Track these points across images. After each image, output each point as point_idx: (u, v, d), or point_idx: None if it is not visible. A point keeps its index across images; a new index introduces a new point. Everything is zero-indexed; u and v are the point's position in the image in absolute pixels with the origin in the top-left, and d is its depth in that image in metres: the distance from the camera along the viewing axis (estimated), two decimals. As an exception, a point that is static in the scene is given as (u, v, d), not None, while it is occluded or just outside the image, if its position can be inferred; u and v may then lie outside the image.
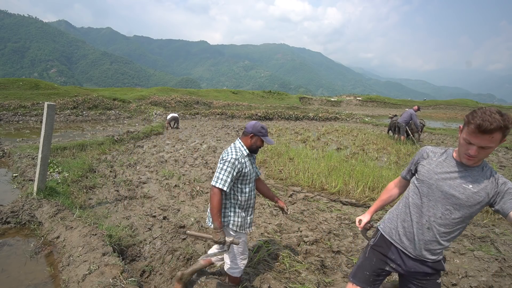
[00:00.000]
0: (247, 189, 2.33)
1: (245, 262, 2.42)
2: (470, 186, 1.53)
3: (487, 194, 1.51)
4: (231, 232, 2.32)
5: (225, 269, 2.42)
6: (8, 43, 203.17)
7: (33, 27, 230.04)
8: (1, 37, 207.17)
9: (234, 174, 2.20)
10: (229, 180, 2.16)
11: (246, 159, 2.32)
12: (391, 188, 1.96)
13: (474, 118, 1.43)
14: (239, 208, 2.32)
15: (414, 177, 1.74)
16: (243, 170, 2.26)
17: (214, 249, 2.43)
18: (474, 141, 1.45)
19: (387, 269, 1.77)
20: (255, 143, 2.34)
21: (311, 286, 2.71)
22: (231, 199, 2.30)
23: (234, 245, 2.27)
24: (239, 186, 2.29)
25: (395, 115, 12.28)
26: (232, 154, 2.23)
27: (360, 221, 2.02)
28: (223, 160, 2.22)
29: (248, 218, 2.39)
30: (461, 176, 1.55)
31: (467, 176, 1.54)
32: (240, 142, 2.35)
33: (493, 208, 1.55)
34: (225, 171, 2.17)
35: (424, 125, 11.91)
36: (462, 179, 1.55)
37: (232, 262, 2.36)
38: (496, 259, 3.25)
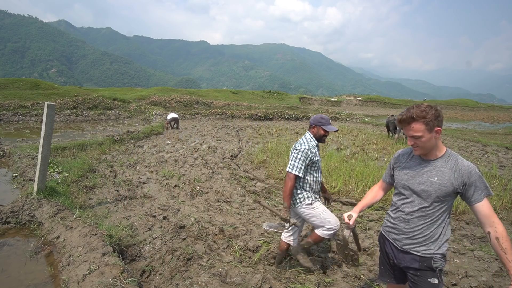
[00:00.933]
0: (316, 174, 2.65)
1: (332, 227, 2.61)
2: (436, 178, 1.63)
3: (452, 184, 1.60)
4: (301, 208, 2.63)
5: (316, 231, 2.69)
6: (8, 43, 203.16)
7: (33, 27, 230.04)
8: (1, 37, 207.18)
9: (307, 162, 2.54)
10: (303, 167, 2.51)
11: (316, 148, 2.63)
12: (376, 190, 2.07)
13: (402, 114, 1.64)
14: (309, 189, 2.64)
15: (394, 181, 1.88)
16: (314, 158, 2.58)
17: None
18: (404, 131, 1.67)
19: (390, 262, 1.87)
20: (317, 133, 2.65)
21: (311, 286, 2.71)
22: (302, 182, 2.62)
23: (296, 226, 2.56)
24: (310, 172, 2.62)
25: (392, 115, 12.62)
26: (304, 145, 2.56)
27: (350, 216, 1.98)
28: (296, 149, 2.55)
29: (316, 195, 2.71)
30: (426, 171, 1.68)
31: (432, 169, 1.66)
32: (309, 134, 2.68)
33: (461, 197, 1.65)
34: (299, 160, 2.51)
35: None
36: (428, 173, 1.67)
37: (323, 227, 2.62)
38: (496, 259, 3.25)
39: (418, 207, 1.68)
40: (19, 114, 14.05)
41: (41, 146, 4.00)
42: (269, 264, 3.06)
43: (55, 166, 5.55)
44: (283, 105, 25.32)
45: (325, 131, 2.65)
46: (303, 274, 2.87)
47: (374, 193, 2.05)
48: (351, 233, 2.05)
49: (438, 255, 1.67)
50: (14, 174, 5.44)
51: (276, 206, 4.59)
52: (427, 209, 1.66)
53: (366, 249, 3.35)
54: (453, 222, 4.20)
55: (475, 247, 3.53)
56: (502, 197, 5.00)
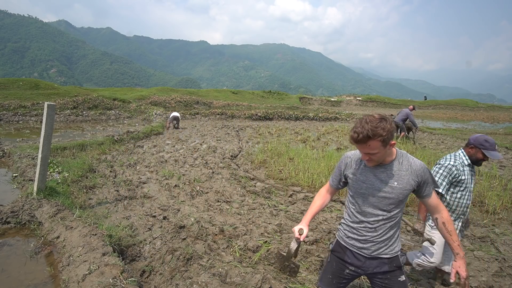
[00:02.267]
0: (459, 195, 2.46)
1: (429, 263, 2.52)
2: (395, 183, 1.62)
3: (411, 185, 1.62)
4: (431, 230, 2.49)
5: (411, 254, 2.62)
6: (8, 43, 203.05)
7: (33, 27, 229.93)
8: (1, 37, 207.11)
9: (450, 178, 2.41)
10: (444, 183, 2.40)
11: (466, 168, 2.44)
12: (324, 194, 1.97)
13: (352, 129, 1.55)
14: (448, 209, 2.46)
15: (348, 189, 1.82)
16: (459, 177, 2.41)
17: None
18: (358, 149, 1.61)
19: (347, 272, 1.83)
20: (474, 155, 2.44)
21: (311, 286, 2.71)
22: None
23: (430, 243, 2.44)
24: (452, 191, 2.47)
25: (391, 115, 12.57)
26: (449, 160, 2.45)
27: (301, 230, 1.86)
28: (439, 164, 2.47)
29: (456, 222, 2.54)
30: (384, 177, 1.64)
31: (389, 174, 1.64)
32: (462, 152, 2.51)
33: (414, 193, 1.69)
34: (441, 175, 2.42)
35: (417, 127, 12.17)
36: (386, 178, 1.64)
37: (422, 254, 2.53)
38: (496, 259, 3.25)
39: (382, 215, 1.67)
40: (19, 114, 14.05)
41: (41, 146, 4.00)
42: (269, 264, 3.06)
43: (55, 166, 5.55)
44: (283, 105, 25.31)
45: (485, 156, 2.40)
46: (303, 274, 2.87)
47: (322, 199, 1.96)
48: (297, 246, 1.96)
49: (400, 251, 1.76)
50: (14, 174, 5.44)
51: (276, 206, 4.59)
52: (390, 213, 1.67)
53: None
54: (453, 222, 4.20)
55: (475, 247, 3.53)
56: (502, 197, 5.01)
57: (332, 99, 33.41)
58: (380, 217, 1.68)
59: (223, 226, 3.76)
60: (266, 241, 3.41)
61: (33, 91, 17.17)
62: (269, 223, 3.96)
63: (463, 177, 2.41)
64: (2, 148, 7.25)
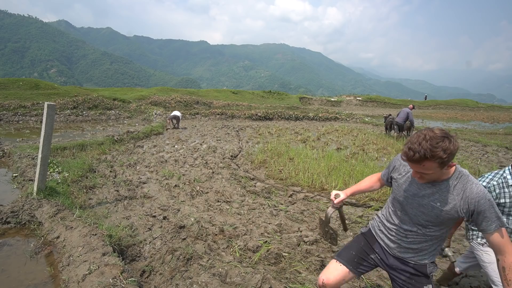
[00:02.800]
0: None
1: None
2: (438, 204, 1.46)
3: (457, 212, 1.44)
4: (473, 244, 2.23)
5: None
6: (8, 43, 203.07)
7: (33, 27, 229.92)
8: (1, 37, 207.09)
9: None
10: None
11: (511, 189, 2.01)
12: (374, 180, 1.93)
13: (406, 142, 1.39)
14: None
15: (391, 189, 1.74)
16: (500, 199, 2.02)
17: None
18: (410, 166, 1.43)
19: (372, 257, 1.79)
20: None
21: (311, 286, 2.71)
22: None
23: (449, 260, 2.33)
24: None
25: (390, 115, 12.88)
26: (484, 179, 2.11)
27: (337, 195, 1.88)
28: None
29: None
30: (428, 194, 1.49)
31: (434, 193, 1.47)
32: (509, 169, 2.07)
33: (467, 223, 1.58)
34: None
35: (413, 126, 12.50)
36: (430, 196, 1.48)
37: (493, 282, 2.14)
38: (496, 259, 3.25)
39: (417, 228, 1.57)
40: (19, 114, 14.05)
41: (41, 146, 4.00)
42: (269, 264, 3.06)
43: (55, 166, 5.55)
44: (283, 105, 25.31)
45: None
46: (303, 274, 2.87)
47: (372, 182, 1.92)
48: (337, 212, 2.03)
49: (431, 261, 1.65)
50: (14, 174, 5.44)
51: (276, 206, 4.59)
52: (426, 229, 1.55)
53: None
54: (453, 222, 4.20)
55: (475, 247, 3.53)
56: (502, 197, 5.00)
57: (332, 99, 33.40)
58: (415, 229, 1.57)
59: (223, 226, 3.76)
60: (266, 241, 3.41)
61: (33, 91, 17.17)
62: (269, 223, 3.96)
63: (502, 200, 2.01)
64: (2, 148, 7.25)
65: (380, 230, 1.78)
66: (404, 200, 1.58)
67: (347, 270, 1.77)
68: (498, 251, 1.44)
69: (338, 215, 2.02)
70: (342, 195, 1.90)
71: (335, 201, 1.89)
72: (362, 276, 2.85)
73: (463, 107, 38.68)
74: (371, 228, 1.87)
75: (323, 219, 2.09)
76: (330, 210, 1.96)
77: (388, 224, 1.72)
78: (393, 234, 1.67)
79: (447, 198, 1.44)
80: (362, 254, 1.81)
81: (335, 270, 1.78)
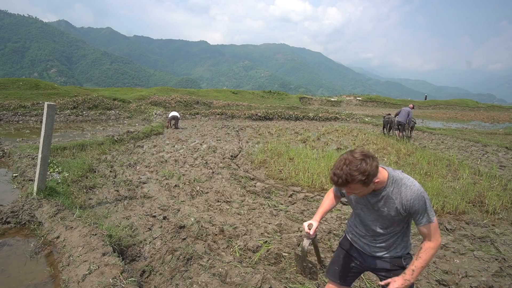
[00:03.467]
0: None
1: None
2: (386, 209, 1.62)
3: (400, 214, 1.60)
4: None
5: None
6: (8, 43, 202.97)
7: (33, 27, 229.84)
8: (1, 37, 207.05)
9: None
10: None
11: None
12: (332, 197, 2.03)
13: (332, 166, 1.51)
14: None
15: None
16: None
17: None
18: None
19: (353, 265, 1.90)
20: None
21: (311, 286, 2.71)
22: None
23: None
24: None
25: (389, 114, 13.02)
26: None
27: (310, 225, 1.91)
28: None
29: None
30: (375, 201, 1.64)
31: (379, 200, 1.63)
32: None
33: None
34: None
35: (415, 123, 12.76)
36: (377, 204, 1.64)
37: None
38: (496, 259, 3.25)
39: (380, 231, 1.72)
40: (19, 114, 14.05)
41: (41, 146, 4.00)
42: (269, 264, 3.06)
43: (55, 166, 5.55)
44: (283, 105, 25.31)
45: None
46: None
47: (331, 200, 2.01)
48: (311, 244, 1.98)
49: (406, 254, 1.76)
50: (14, 174, 5.44)
51: (276, 206, 4.59)
52: (388, 229, 1.70)
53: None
54: (453, 222, 4.20)
55: (475, 247, 3.53)
56: (502, 197, 5.01)
57: (332, 99, 33.40)
58: (378, 232, 1.72)
59: (223, 226, 3.76)
60: (266, 241, 3.41)
61: (33, 91, 17.17)
62: (269, 223, 3.96)
63: None
64: (2, 148, 7.26)
65: (353, 234, 1.90)
66: (360, 211, 1.75)
67: (337, 285, 1.94)
68: (423, 238, 1.65)
69: (313, 247, 1.97)
70: (315, 223, 1.92)
71: (311, 232, 1.88)
72: (362, 276, 2.85)
73: (463, 107, 38.68)
74: (346, 234, 1.98)
75: (300, 254, 1.98)
76: (306, 242, 1.90)
77: (357, 230, 1.85)
78: (363, 239, 1.83)
79: (389, 203, 1.61)
80: (344, 266, 1.93)
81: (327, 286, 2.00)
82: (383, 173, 1.58)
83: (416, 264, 1.58)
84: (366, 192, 1.56)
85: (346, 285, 1.94)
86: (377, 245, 1.77)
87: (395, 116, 11.72)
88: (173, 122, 13.30)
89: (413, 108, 11.74)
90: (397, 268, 1.76)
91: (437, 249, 1.60)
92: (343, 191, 1.78)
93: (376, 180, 1.51)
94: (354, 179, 1.43)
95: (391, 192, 1.59)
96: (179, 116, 13.58)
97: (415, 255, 1.63)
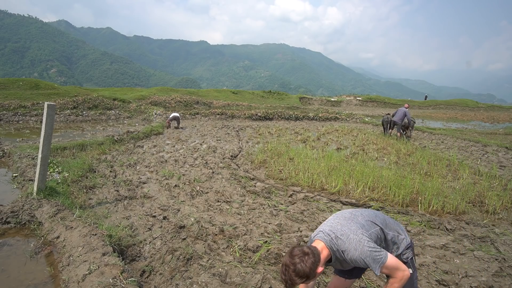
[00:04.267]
0: None
1: None
2: (345, 266, 1.82)
3: (355, 266, 1.77)
4: None
5: None
6: (8, 43, 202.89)
7: (33, 27, 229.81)
8: (1, 37, 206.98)
9: None
10: None
11: None
12: None
13: (280, 272, 1.64)
14: None
15: None
16: None
17: None
18: None
19: None
20: None
21: (311, 286, 2.71)
22: None
23: None
24: None
25: (388, 114, 13.13)
26: None
27: None
28: None
29: None
30: (336, 266, 1.88)
31: (338, 264, 1.81)
32: None
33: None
34: None
35: (414, 122, 12.96)
36: (341, 266, 1.84)
37: None
38: (496, 259, 3.25)
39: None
40: (19, 114, 14.04)
41: (41, 146, 4.00)
42: (269, 264, 3.06)
43: (55, 166, 5.55)
44: (283, 105, 25.31)
45: None
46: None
47: None
48: None
49: (405, 249, 1.89)
50: (14, 174, 5.44)
51: (276, 206, 4.59)
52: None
53: None
54: (453, 222, 4.20)
55: (475, 247, 3.53)
56: (502, 197, 5.01)
57: (332, 99, 33.40)
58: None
59: (223, 226, 3.76)
60: (266, 241, 3.41)
61: (33, 91, 17.17)
62: (269, 223, 3.96)
63: None
64: (2, 148, 7.25)
65: None
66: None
67: (343, 279, 2.07)
68: (389, 276, 1.76)
69: None
70: None
71: None
72: (362, 276, 2.85)
73: (463, 107, 38.67)
74: None
75: None
76: None
77: None
78: None
79: (345, 265, 1.78)
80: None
81: (334, 281, 2.14)
82: (323, 253, 1.69)
83: None
84: (317, 277, 1.66)
85: (354, 278, 2.06)
86: None
87: (392, 117, 12.04)
88: (174, 122, 13.31)
89: (408, 107, 11.95)
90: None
91: (402, 281, 1.70)
92: None
93: (319, 270, 1.61)
94: (296, 282, 1.57)
95: (339, 262, 1.76)
96: (179, 116, 13.62)
97: (384, 286, 1.79)
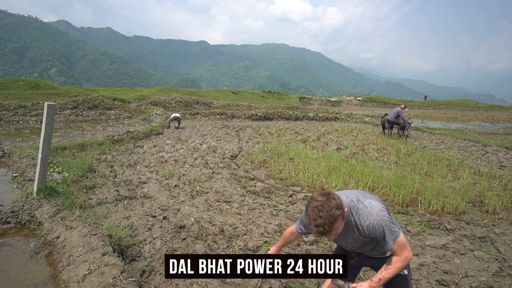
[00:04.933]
0: None
1: None
2: (354, 235, 1.72)
3: (366, 239, 1.71)
4: None
5: None
6: (8, 43, 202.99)
7: (33, 27, 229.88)
8: (1, 37, 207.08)
9: None
10: None
11: None
12: (288, 236, 2.14)
13: (310, 224, 1.53)
14: None
15: None
16: None
17: None
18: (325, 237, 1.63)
19: (352, 262, 1.98)
20: None
21: (311, 286, 2.71)
22: None
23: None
24: None
25: (386, 114, 13.49)
26: None
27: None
28: None
29: None
30: (346, 239, 1.77)
31: (347, 237, 1.75)
32: None
33: None
34: None
35: (410, 123, 13.29)
36: (347, 240, 1.77)
37: None
38: (496, 259, 3.25)
39: (361, 250, 1.87)
40: (19, 114, 14.05)
41: (41, 146, 4.00)
42: (269, 264, 3.06)
43: (55, 166, 5.55)
44: (283, 105, 25.31)
45: None
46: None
47: (287, 239, 2.16)
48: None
49: None
50: (14, 174, 5.44)
51: (276, 206, 4.59)
52: (368, 248, 1.82)
53: None
54: (453, 222, 4.20)
55: (475, 247, 3.53)
56: (502, 197, 5.01)
57: (332, 99, 33.41)
58: (362, 251, 1.87)
59: (223, 226, 3.76)
60: (266, 241, 3.41)
61: (33, 91, 17.17)
62: (269, 223, 3.96)
63: None
64: (2, 148, 7.26)
65: None
66: (339, 243, 1.89)
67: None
68: (393, 255, 1.73)
69: None
70: (273, 251, 2.22)
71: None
72: (361, 275, 2.85)
73: (463, 107, 38.68)
74: None
75: None
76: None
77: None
78: (353, 252, 1.95)
79: (352, 235, 1.72)
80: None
81: (328, 282, 2.04)
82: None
83: (383, 274, 1.69)
84: (342, 225, 1.60)
85: (348, 281, 1.99)
86: (369, 254, 1.88)
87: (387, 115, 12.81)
88: (174, 122, 13.32)
89: (404, 108, 12.40)
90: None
91: (405, 262, 1.68)
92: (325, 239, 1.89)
93: (346, 209, 1.57)
94: (336, 217, 1.49)
95: (353, 226, 1.68)
96: (180, 116, 13.63)
97: (384, 265, 1.73)
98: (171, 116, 13.23)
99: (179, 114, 14.10)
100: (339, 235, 1.73)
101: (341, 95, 40.28)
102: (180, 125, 13.59)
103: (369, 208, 1.64)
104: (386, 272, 1.68)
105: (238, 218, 4.11)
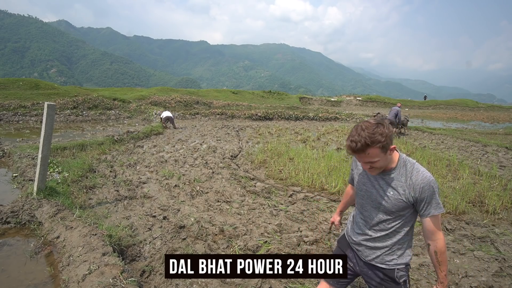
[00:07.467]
0: None
1: None
2: (391, 193, 1.55)
3: (407, 199, 1.52)
4: None
5: None
6: (8, 43, 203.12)
7: (33, 27, 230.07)
8: (1, 37, 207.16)
9: None
10: None
11: None
12: (349, 191, 2.09)
13: (347, 138, 1.47)
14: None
15: None
16: None
17: None
18: (357, 159, 1.53)
19: (348, 266, 1.82)
20: None
21: (311, 286, 2.71)
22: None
23: None
24: None
25: (378, 113, 14.21)
26: None
27: (334, 221, 2.16)
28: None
29: None
30: (380, 184, 1.59)
31: (386, 182, 1.57)
32: None
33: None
34: None
35: (408, 121, 13.92)
36: (382, 186, 1.58)
37: None
38: (496, 259, 3.25)
39: (380, 221, 1.63)
40: (19, 114, 14.05)
41: (41, 146, 4.00)
42: (269, 264, 3.06)
43: (55, 166, 5.55)
44: (283, 105, 25.31)
45: None
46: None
47: (348, 195, 2.09)
48: None
49: (402, 265, 1.64)
50: (14, 174, 5.44)
51: (276, 206, 4.59)
52: (388, 222, 1.61)
53: None
54: (453, 222, 4.20)
55: (475, 247, 3.53)
56: (502, 197, 5.00)
57: (332, 99, 33.42)
58: (377, 220, 1.64)
59: (223, 226, 3.76)
60: (266, 241, 3.41)
61: (33, 91, 17.18)
62: (269, 223, 3.96)
63: None
64: (2, 148, 7.26)
65: (352, 231, 1.83)
66: (365, 194, 1.67)
67: (330, 286, 1.85)
68: (429, 236, 1.56)
69: None
70: (338, 217, 2.17)
71: (338, 225, 2.14)
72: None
73: (463, 107, 38.69)
74: (345, 233, 1.92)
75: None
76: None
77: (357, 219, 1.78)
78: (361, 236, 1.74)
79: (397, 186, 1.54)
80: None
81: (323, 282, 1.90)
82: (395, 152, 1.54)
83: (443, 269, 1.56)
84: (383, 163, 1.48)
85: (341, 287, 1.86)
86: (372, 244, 1.67)
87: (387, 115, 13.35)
88: (168, 123, 13.11)
89: (400, 106, 12.95)
90: (390, 280, 1.66)
91: (444, 242, 1.55)
92: (354, 174, 1.77)
93: (392, 147, 1.45)
94: (374, 141, 1.38)
95: (400, 174, 1.53)
96: (172, 116, 13.22)
97: (431, 259, 1.59)
98: (164, 116, 12.97)
99: (171, 113, 13.53)
100: (371, 185, 1.61)
101: (341, 95, 40.30)
102: (175, 124, 13.39)
103: (423, 168, 1.52)
104: (440, 267, 1.55)
105: (238, 218, 4.11)
